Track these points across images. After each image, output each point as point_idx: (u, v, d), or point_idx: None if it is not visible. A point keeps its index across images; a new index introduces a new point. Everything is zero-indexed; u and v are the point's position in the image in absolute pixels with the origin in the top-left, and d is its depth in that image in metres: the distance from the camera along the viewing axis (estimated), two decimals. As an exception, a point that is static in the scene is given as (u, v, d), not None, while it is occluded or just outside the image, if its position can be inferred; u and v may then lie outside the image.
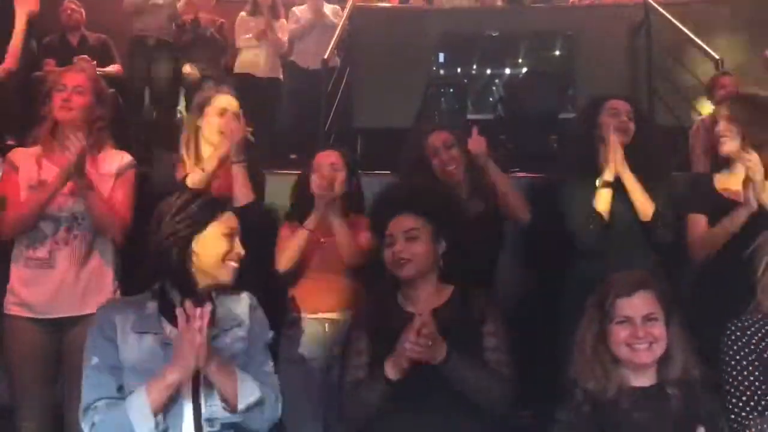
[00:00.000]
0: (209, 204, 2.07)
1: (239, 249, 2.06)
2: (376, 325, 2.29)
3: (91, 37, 5.78)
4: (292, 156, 5.47)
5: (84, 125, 2.82)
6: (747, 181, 2.65)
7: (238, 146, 2.83)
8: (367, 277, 2.84)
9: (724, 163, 2.85)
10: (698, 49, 5.67)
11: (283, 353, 2.77)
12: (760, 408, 2.08)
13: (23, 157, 2.84)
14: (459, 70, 6.46)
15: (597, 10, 6.88)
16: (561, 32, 6.37)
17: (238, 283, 2.08)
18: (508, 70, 6.46)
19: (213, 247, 2.02)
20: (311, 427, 2.80)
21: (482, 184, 3.06)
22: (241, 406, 1.93)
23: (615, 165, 2.85)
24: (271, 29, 6.01)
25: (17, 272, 2.78)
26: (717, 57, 5.43)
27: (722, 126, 2.81)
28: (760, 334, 2.16)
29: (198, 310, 1.86)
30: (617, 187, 2.87)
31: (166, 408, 1.90)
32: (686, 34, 5.68)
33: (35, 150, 2.84)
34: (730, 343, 2.17)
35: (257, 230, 2.28)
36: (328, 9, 6.45)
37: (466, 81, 6.35)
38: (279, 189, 3.19)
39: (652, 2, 5.98)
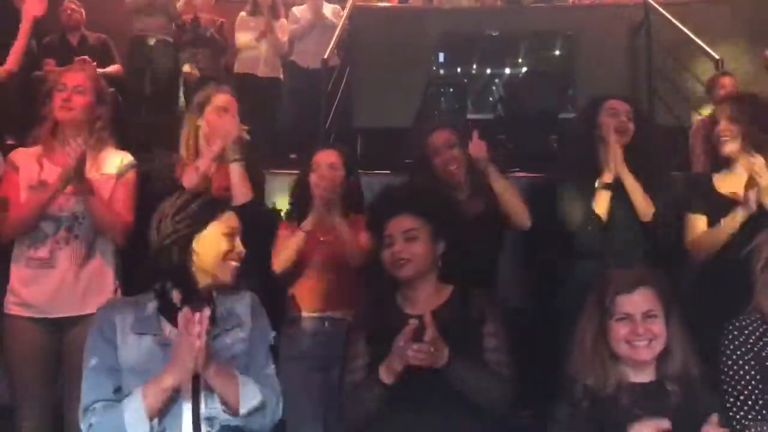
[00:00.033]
0: (209, 203, 2.07)
1: (240, 248, 2.05)
2: (375, 326, 2.27)
3: (91, 37, 5.78)
4: (292, 156, 5.45)
5: (84, 125, 2.83)
6: (751, 183, 2.66)
7: (234, 145, 2.82)
8: (366, 278, 2.84)
9: (724, 163, 2.86)
10: (698, 49, 5.67)
11: (283, 352, 2.76)
12: (757, 407, 2.09)
13: (24, 157, 2.84)
14: (459, 69, 6.45)
15: (597, 10, 6.87)
16: (561, 32, 6.36)
17: (239, 282, 2.08)
18: (508, 70, 6.45)
19: (213, 247, 2.01)
20: (311, 426, 2.80)
21: (483, 184, 3.04)
22: (242, 410, 1.92)
23: (615, 166, 2.85)
24: (271, 29, 6.01)
25: (18, 272, 2.78)
26: (717, 57, 5.44)
27: (722, 126, 2.81)
28: (757, 334, 2.16)
29: (197, 315, 1.85)
30: (617, 188, 2.87)
31: (164, 410, 1.89)
32: (686, 34, 5.67)
33: (36, 150, 2.84)
34: (727, 343, 2.17)
35: (256, 229, 2.27)
36: (328, 9, 6.46)
37: (466, 81, 6.35)
38: (279, 189, 3.18)
39: (652, 2, 5.98)
